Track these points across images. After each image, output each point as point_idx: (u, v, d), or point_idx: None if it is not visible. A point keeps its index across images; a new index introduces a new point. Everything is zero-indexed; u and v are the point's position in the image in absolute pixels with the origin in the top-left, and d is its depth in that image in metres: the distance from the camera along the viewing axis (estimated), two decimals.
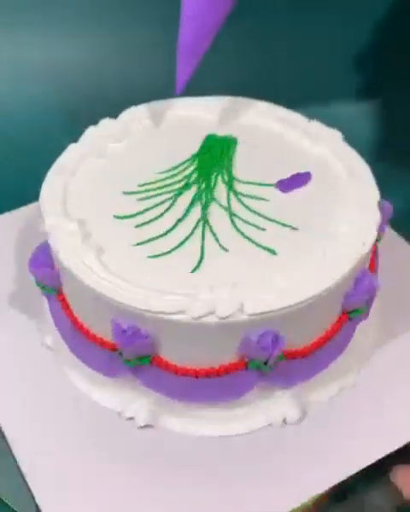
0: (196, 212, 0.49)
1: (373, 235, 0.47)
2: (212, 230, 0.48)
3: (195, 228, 0.48)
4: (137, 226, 0.48)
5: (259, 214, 0.49)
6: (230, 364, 0.46)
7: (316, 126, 0.55)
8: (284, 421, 0.50)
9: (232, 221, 0.48)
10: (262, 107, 0.56)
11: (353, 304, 0.47)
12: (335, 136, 0.54)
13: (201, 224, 0.48)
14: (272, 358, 0.44)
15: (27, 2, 0.74)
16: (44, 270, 0.49)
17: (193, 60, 0.45)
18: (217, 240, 0.47)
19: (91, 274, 0.44)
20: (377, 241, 0.52)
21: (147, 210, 0.49)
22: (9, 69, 0.75)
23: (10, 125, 0.75)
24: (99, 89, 0.73)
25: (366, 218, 0.48)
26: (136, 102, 0.55)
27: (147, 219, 0.49)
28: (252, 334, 0.43)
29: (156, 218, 0.49)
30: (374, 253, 0.52)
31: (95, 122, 0.54)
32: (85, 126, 0.54)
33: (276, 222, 0.48)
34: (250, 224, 0.48)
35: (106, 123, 0.55)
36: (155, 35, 0.59)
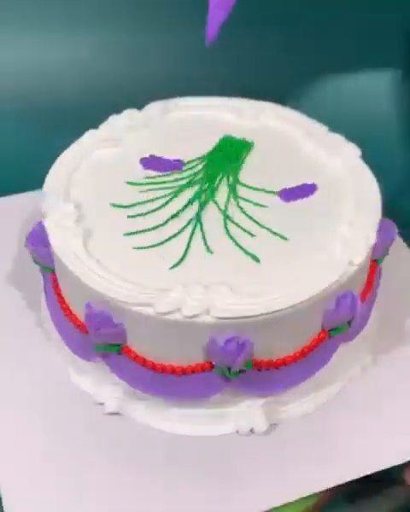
0: (192, 210, 0.49)
1: (362, 255, 0.45)
2: (202, 230, 0.48)
3: (186, 226, 0.48)
4: (130, 217, 0.49)
5: (253, 220, 0.48)
6: (197, 365, 0.45)
7: (336, 139, 0.54)
8: (251, 430, 0.50)
9: (225, 224, 0.48)
10: (285, 112, 0.56)
11: (333, 322, 0.46)
12: (352, 151, 0.53)
13: (193, 222, 0.48)
14: (235, 365, 0.44)
15: (27, 2, 0.75)
16: (40, 248, 0.50)
17: (225, 5, 0.44)
18: (205, 240, 0.47)
19: (73, 256, 0.45)
20: (376, 262, 0.51)
21: (145, 202, 0.50)
22: (9, 69, 0.76)
23: (10, 124, 0.76)
24: (99, 88, 0.73)
25: (360, 239, 0.46)
26: (135, 103, 0.55)
27: (142, 211, 0.49)
28: (218, 338, 0.43)
29: (151, 212, 0.49)
30: (373, 273, 0.51)
31: (95, 121, 0.54)
32: (85, 126, 0.54)
33: (268, 230, 0.48)
34: (242, 229, 0.48)
35: (129, 113, 0.56)
36: (156, 35, 0.59)
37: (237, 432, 0.50)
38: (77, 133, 0.53)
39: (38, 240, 0.50)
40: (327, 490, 0.49)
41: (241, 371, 0.45)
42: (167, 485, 0.48)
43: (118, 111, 0.55)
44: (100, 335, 0.45)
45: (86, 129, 0.54)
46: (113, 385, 0.50)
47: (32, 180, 0.56)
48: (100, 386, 0.51)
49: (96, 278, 0.44)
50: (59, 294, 0.51)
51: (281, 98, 0.54)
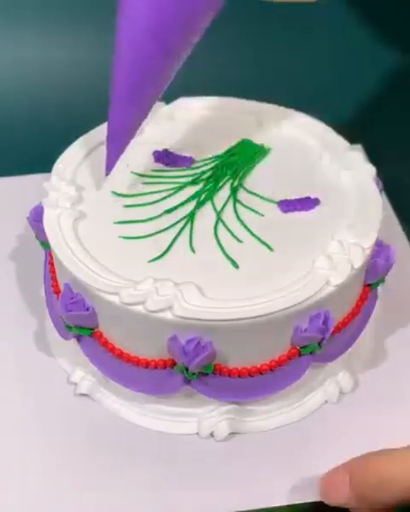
0: (188, 208, 0.49)
1: (341, 278, 0.44)
2: (191, 229, 0.48)
3: (177, 222, 0.48)
4: (127, 206, 0.49)
5: (245, 226, 0.48)
6: (159, 360, 0.46)
7: (353, 156, 0.53)
8: (212, 434, 0.50)
9: (216, 226, 0.48)
10: (309, 123, 0.55)
11: (302, 340, 0.45)
12: (367, 170, 0.52)
13: (184, 220, 0.49)
14: (192, 365, 0.44)
15: (27, 1, 0.77)
16: (39, 223, 0.51)
17: (124, 143, 0.48)
18: (190, 239, 0.47)
19: (59, 236, 0.47)
20: (369, 287, 0.50)
21: (145, 194, 0.50)
22: (9, 69, 0.77)
23: (11, 123, 0.78)
24: (98, 88, 0.71)
25: (345, 260, 0.45)
26: None
27: (138, 203, 0.50)
28: (180, 336, 0.43)
29: (148, 204, 0.50)
30: (361, 301, 0.50)
31: (95, 121, 0.54)
32: (85, 126, 0.54)
33: (256, 237, 0.47)
34: (231, 234, 0.48)
35: (155, 106, 0.56)
36: None
37: (197, 434, 0.50)
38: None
39: (38, 216, 0.52)
40: None
41: (201, 374, 0.46)
42: (119, 472, 0.49)
43: None
44: (70, 317, 0.46)
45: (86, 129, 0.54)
46: (86, 368, 0.51)
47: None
48: (75, 366, 0.52)
49: (75, 260, 0.45)
50: (52, 271, 0.52)
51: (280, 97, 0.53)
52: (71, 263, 0.45)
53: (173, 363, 0.45)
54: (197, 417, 0.50)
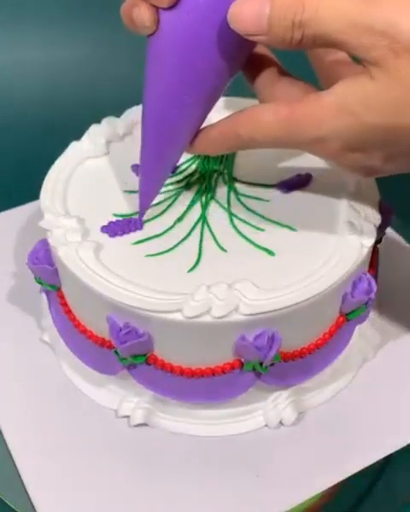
0: (196, 211, 0.49)
1: (372, 237, 0.46)
2: (211, 230, 0.48)
3: (193, 227, 0.48)
4: None
5: (259, 215, 0.49)
6: (225, 364, 0.45)
7: None
8: (281, 422, 0.50)
9: (232, 221, 0.48)
10: None
11: (351, 306, 0.47)
12: None
13: (200, 223, 0.48)
14: (267, 359, 0.44)
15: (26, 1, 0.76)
16: (43, 266, 0.49)
17: (156, 189, 0.47)
18: (215, 240, 0.47)
19: (88, 271, 0.45)
20: (377, 242, 0.52)
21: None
22: (9, 68, 0.76)
23: (10, 123, 0.77)
24: (98, 88, 0.74)
25: (365, 220, 0.47)
26: (134, 102, 0.54)
27: (145, 219, 0.49)
28: (248, 335, 0.43)
29: (155, 217, 0.49)
30: (374, 254, 0.52)
31: (95, 121, 0.54)
32: (85, 125, 0.54)
33: (275, 223, 0.48)
34: (249, 225, 0.48)
35: (109, 121, 0.55)
36: None
37: (267, 426, 0.50)
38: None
39: (41, 258, 0.49)
40: (329, 488, 0.49)
41: (270, 365, 0.46)
42: (201, 488, 0.48)
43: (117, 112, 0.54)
44: (127, 348, 0.44)
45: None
46: (137, 396, 0.50)
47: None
48: (122, 398, 0.50)
49: (118, 290, 0.43)
50: (69, 312, 0.50)
51: None
52: (114, 293, 0.43)
53: (240, 364, 0.45)
54: (261, 411, 0.50)
